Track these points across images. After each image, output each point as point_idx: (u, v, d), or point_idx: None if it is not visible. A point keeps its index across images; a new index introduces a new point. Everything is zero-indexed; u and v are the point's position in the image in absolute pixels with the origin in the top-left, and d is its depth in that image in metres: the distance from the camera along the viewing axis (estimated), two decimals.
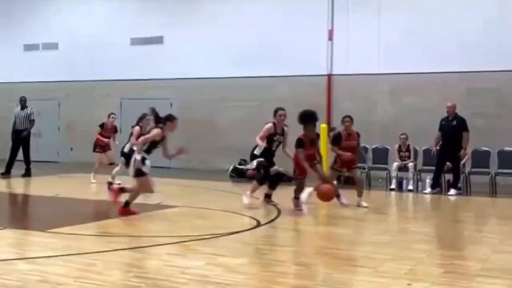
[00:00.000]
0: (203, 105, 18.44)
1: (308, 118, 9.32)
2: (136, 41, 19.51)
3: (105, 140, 13.52)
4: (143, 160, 8.41)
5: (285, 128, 9.79)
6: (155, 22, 19.09)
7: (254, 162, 9.79)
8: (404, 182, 13.55)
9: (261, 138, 9.59)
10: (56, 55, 20.72)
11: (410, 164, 13.40)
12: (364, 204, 10.00)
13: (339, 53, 16.66)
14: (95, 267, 5.61)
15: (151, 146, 8.58)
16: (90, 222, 8.77)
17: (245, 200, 9.71)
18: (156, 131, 8.56)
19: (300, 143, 9.22)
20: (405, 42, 15.83)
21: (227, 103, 18.09)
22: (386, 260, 6.11)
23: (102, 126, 13.66)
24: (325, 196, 8.92)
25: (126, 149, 12.00)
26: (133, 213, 8.67)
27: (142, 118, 12.11)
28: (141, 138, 8.75)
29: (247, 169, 16.04)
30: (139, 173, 8.46)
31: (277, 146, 9.79)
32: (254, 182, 9.99)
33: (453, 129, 12.66)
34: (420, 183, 13.41)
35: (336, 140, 10.34)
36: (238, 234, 7.43)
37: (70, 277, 5.18)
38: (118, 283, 5.05)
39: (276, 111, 9.82)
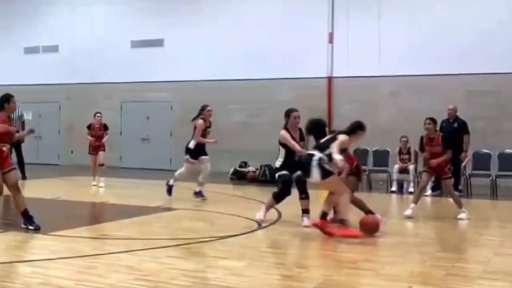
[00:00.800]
0: None
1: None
2: (136, 44, 19.52)
3: (92, 139, 13.54)
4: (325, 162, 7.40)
5: (304, 131, 8.52)
6: (155, 25, 19.10)
7: (276, 175, 8.57)
8: (405, 184, 13.54)
9: (294, 146, 8.26)
10: (57, 57, 20.74)
11: (411, 167, 13.40)
12: (462, 216, 9.18)
13: (340, 55, 16.68)
14: (96, 270, 5.61)
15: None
16: (91, 225, 8.80)
17: (260, 215, 8.48)
18: (344, 137, 7.54)
19: None
20: (405, 45, 15.85)
21: (228, 105, 18.08)
22: (387, 262, 6.11)
23: (89, 127, 13.71)
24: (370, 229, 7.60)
25: (191, 145, 11.29)
26: (355, 235, 7.32)
27: (203, 109, 11.21)
28: (335, 145, 7.33)
29: (248, 172, 16.06)
30: (327, 174, 7.41)
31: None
32: (270, 198, 8.60)
33: (454, 132, 12.66)
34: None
35: (419, 146, 9.79)
36: (239, 237, 7.42)
37: (71, 280, 5.18)
38: (119, 286, 5.05)
39: (288, 114, 8.51)
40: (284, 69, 17.12)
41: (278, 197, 8.48)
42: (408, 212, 9.30)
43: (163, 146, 19.09)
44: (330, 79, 16.93)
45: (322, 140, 7.71)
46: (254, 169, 15.99)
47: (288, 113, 8.51)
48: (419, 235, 8.01)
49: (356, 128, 7.73)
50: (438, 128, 12.94)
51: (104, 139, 13.74)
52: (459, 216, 9.28)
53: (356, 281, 5.45)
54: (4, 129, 7.58)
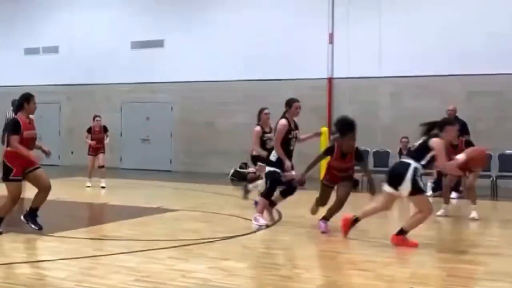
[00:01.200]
0: (203, 108, 18.45)
1: (347, 127, 7.97)
2: (136, 45, 19.52)
3: (92, 142, 13.57)
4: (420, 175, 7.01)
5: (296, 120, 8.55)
6: (155, 26, 19.12)
7: (267, 169, 8.49)
8: None
9: (278, 140, 8.26)
10: (57, 58, 20.75)
11: None
12: (475, 214, 9.32)
13: (340, 56, 16.67)
14: (97, 271, 5.61)
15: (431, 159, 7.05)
16: (91, 226, 8.79)
17: (261, 222, 8.30)
18: (440, 142, 7.00)
19: (328, 151, 8.08)
20: (405, 45, 15.84)
21: (228, 106, 18.10)
22: (388, 263, 6.10)
23: (89, 130, 13.76)
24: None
25: (255, 152, 10.26)
26: (413, 245, 7.01)
27: (259, 113, 10.05)
28: (441, 158, 7.00)
29: (248, 173, 16.04)
30: (418, 190, 7.01)
31: (295, 143, 8.50)
32: (261, 200, 8.54)
33: None
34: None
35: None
36: (240, 238, 7.41)
37: (71, 281, 5.18)
38: (118, 287, 5.04)
39: (290, 104, 8.46)
40: (284, 70, 17.12)
41: (268, 195, 8.45)
42: (444, 211, 9.67)
43: (163, 147, 19.10)
44: (330, 80, 16.92)
45: (414, 147, 7.24)
46: (254, 170, 15.95)
47: (290, 103, 8.49)
48: (420, 235, 7.99)
49: (444, 125, 7.23)
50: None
51: (106, 141, 13.81)
52: (472, 216, 9.36)
53: (357, 282, 5.44)
54: (30, 135, 7.55)
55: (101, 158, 13.61)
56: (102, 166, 13.58)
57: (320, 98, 16.70)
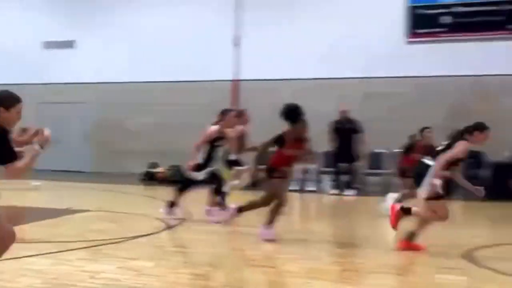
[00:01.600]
0: (116, 109, 18.36)
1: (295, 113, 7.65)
2: (48, 45, 19.17)
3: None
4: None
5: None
6: (66, 26, 18.89)
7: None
8: (306, 183, 14.18)
9: (202, 142, 8.74)
10: None
11: (312, 167, 14.01)
12: None
13: (245, 58, 17.04)
14: (4, 275, 5.54)
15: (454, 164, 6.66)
16: None
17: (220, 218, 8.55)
18: (463, 146, 6.51)
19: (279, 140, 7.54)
20: (306, 47, 16.39)
21: (139, 107, 18.11)
22: (288, 259, 6.46)
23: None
24: None
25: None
26: (418, 248, 6.87)
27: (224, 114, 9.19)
28: (444, 158, 6.54)
29: (157, 172, 16.15)
30: (435, 196, 6.64)
31: (220, 152, 9.00)
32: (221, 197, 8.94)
33: (348, 132, 13.42)
34: (320, 184, 14.11)
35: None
36: (149, 237, 7.54)
37: None
38: None
39: (226, 113, 9.04)
40: (189, 72, 17.32)
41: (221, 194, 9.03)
42: None
43: (77, 147, 18.83)
44: (235, 82, 17.23)
45: (441, 147, 6.76)
46: (163, 170, 16.09)
47: (226, 112, 9.01)
48: (318, 232, 8.40)
49: (474, 129, 6.62)
50: (331, 128, 13.68)
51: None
52: None
53: (258, 278, 5.74)
54: None
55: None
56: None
57: (225, 101, 16.98)
